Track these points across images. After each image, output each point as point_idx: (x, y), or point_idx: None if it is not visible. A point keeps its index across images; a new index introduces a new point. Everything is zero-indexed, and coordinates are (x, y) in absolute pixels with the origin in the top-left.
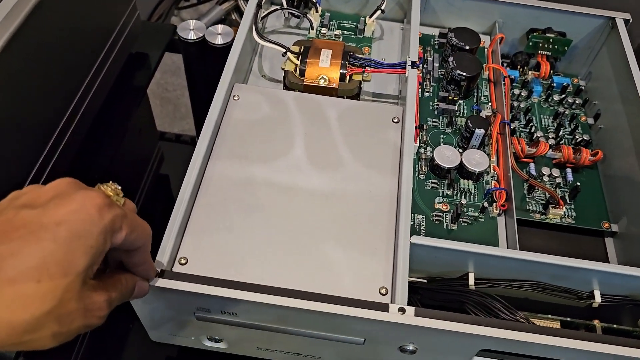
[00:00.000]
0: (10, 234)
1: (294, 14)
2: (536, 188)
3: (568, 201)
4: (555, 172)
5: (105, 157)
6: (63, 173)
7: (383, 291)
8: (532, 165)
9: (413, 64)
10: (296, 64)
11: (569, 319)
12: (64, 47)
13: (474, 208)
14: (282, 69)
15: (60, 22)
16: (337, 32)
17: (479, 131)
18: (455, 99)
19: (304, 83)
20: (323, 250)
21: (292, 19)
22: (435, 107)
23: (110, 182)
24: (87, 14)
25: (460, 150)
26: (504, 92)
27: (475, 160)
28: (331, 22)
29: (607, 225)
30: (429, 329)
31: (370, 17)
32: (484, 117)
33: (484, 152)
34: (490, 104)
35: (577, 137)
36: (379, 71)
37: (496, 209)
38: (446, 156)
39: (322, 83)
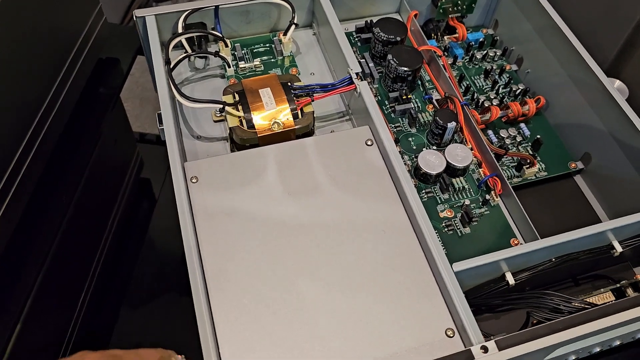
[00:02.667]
0: None
1: (204, 56)
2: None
3: (534, 155)
4: (513, 131)
5: (81, 164)
6: (36, 181)
7: (450, 333)
8: (490, 133)
9: (358, 75)
10: (240, 116)
11: (618, 285)
12: (27, 52)
13: (475, 203)
14: (229, 127)
15: (20, 27)
16: (256, 61)
17: (451, 125)
18: (409, 96)
19: (258, 135)
20: (367, 312)
21: (197, 60)
22: (390, 110)
23: (178, 356)
24: (49, 19)
25: (438, 150)
26: (447, 73)
27: (460, 155)
28: (244, 52)
29: (573, 165)
30: (517, 357)
31: (285, 34)
32: (450, 109)
33: (457, 142)
34: (434, 87)
35: (513, 88)
36: (328, 94)
37: (496, 196)
38: (431, 162)
39: (276, 128)
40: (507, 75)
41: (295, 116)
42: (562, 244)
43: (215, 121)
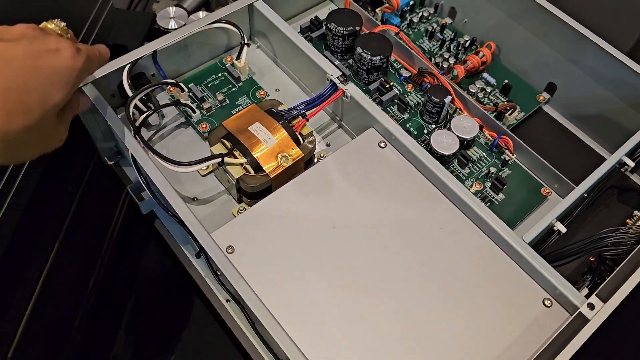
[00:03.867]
0: None
1: (163, 109)
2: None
3: (507, 100)
4: (479, 83)
5: (87, 151)
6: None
7: (547, 303)
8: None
9: (351, 78)
10: (242, 163)
11: None
12: None
13: (496, 167)
14: (232, 181)
15: (26, 13)
16: (219, 96)
17: (448, 99)
18: (391, 84)
19: (270, 176)
20: (460, 316)
21: (151, 117)
22: (377, 102)
23: (56, 19)
24: (56, 4)
25: (438, 127)
26: (412, 49)
27: (467, 126)
28: (200, 89)
29: (542, 97)
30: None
31: (239, 58)
32: (440, 85)
33: (452, 114)
34: (402, 66)
35: (461, 42)
36: (320, 108)
37: (511, 154)
38: (445, 142)
39: (285, 162)
40: (450, 31)
41: (297, 142)
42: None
43: (203, 175)
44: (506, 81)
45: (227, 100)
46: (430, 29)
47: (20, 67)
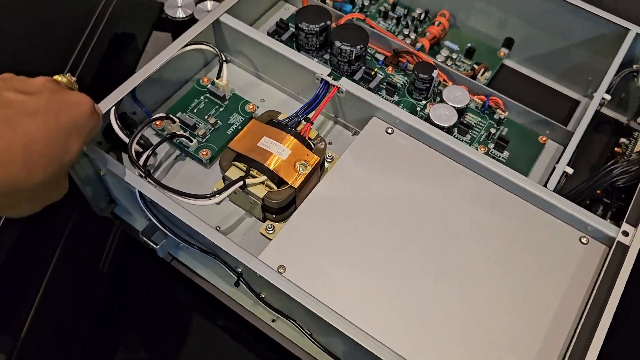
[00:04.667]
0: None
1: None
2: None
3: (475, 62)
4: (445, 52)
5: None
6: None
7: (584, 240)
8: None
9: (332, 73)
10: (263, 181)
11: None
12: (43, 26)
13: (495, 129)
14: (256, 201)
15: (36, 1)
16: (210, 119)
17: (435, 73)
18: (375, 70)
19: (295, 187)
20: (506, 274)
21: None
22: (379, 87)
23: (67, 74)
24: None
25: (429, 102)
26: (381, 32)
27: (458, 95)
28: (188, 116)
29: (502, 53)
30: None
31: (219, 77)
32: (422, 61)
33: (437, 87)
34: (375, 51)
35: (415, 16)
36: (320, 109)
37: (503, 112)
38: (444, 115)
39: (304, 170)
40: (402, 8)
41: (309, 147)
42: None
43: (217, 203)
44: (469, 44)
45: (219, 122)
46: (382, 9)
47: (43, 121)
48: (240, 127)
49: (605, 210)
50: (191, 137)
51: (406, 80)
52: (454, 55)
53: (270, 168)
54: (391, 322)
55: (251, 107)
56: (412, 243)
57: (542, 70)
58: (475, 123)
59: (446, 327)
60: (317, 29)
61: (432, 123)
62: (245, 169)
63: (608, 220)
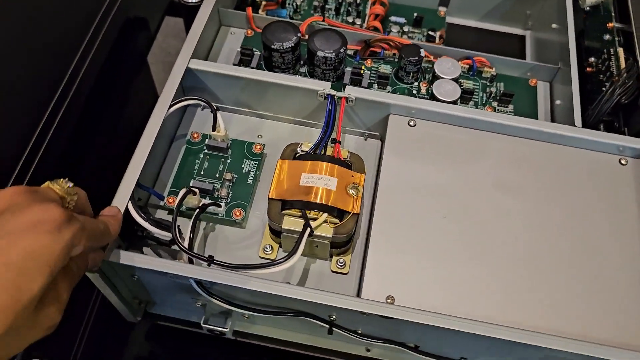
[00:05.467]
0: None
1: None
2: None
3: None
4: (395, 27)
5: (107, 125)
6: (64, 141)
7: (623, 162)
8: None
9: (335, 85)
10: (325, 220)
11: None
12: (54, 10)
13: (490, 87)
14: (324, 242)
15: None
16: (226, 175)
17: (422, 52)
18: (363, 67)
19: (356, 214)
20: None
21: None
22: (371, 83)
23: (61, 180)
24: None
25: (420, 81)
26: (345, 28)
27: (450, 67)
28: (200, 181)
29: (442, 13)
30: None
31: (215, 129)
32: (402, 45)
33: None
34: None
35: (350, 1)
36: (340, 126)
37: (490, 68)
38: (448, 90)
39: (357, 192)
40: None
41: (349, 167)
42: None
43: (261, 256)
44: (415, 14)
45: (235, 175)
46: (316, 4)
47: None
48: (258, 172)
49: (618, 130)
50: (219, 203)
51: (391, 68)
52: (405, 28)
53: (328, 203)
54: (506, 303)
55: (258, 147)
56: (487, 221)
57: (483, 18)
58: (473, 88)
59: (551, 290)
60: (292, 44)
61: (440, 101)
62: (300, 214)
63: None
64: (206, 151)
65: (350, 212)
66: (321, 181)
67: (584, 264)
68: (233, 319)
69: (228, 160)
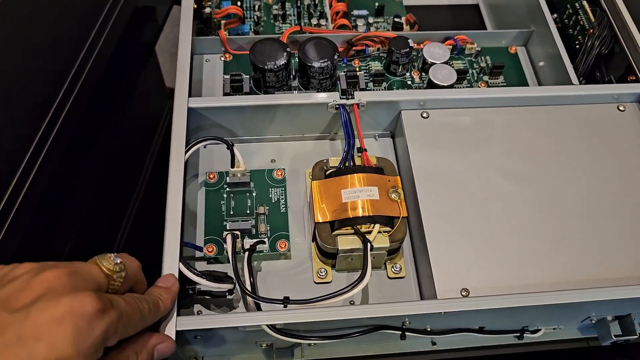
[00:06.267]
0: None
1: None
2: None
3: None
4: (361, 21)
5: (114, 117)
6: (72, 132)
7: (622, 107)
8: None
9: (345, 92)
10: (378, 230)
11: None
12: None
13: (477, 62)
14: (382, 252)
15: None
16: (259, 209)
17: (410, 42)
18: (357, 68)
19: (405, 216)
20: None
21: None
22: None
23: (109, 255)
24: None
25: (410, 70)
26: (322, 33)
27: (439, 52)
28: (238, 224)
29: None
30: None
31: (234, 165)
32: (388, 39)
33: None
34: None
35: (308, 3)
36: (360, 134)
37: (472, 44)
38: (445, 74)
39: (399, 196)
40: (290, 2)
41: (380, 171)
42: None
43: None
44: (376, 4)
45: (266, 206)
46: (275, 12)
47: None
48: (285, 196)
49: (603, 80)
50: (263, 241)
51: (383, 63)
52: (370, 20)
53: (376, 213)
54: (568, 263)
55: (279, 173)
56: (521, 191)
57: None
58: (463, 67)
59: (597, 241)
60: (285, 61)
61: (439, 87)
62: (353, 231)
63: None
64: (228, 189)
65: (399, 217)
66: (363, 193)
67: (619, 210)
68: (298, 349)
69: (254, 194)
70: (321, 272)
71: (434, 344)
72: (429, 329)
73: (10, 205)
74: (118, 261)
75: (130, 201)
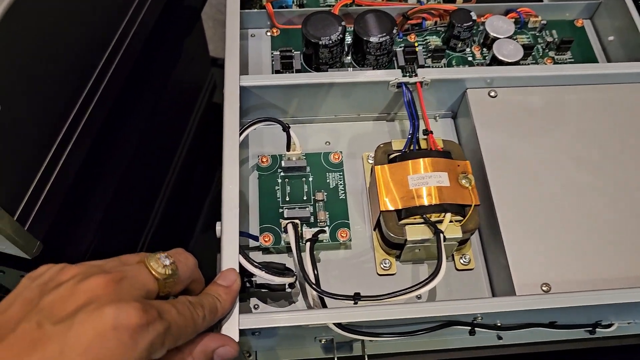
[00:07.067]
0: (23, 356)
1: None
2: None
3: None
4: None
5: (158, 83)
6: (116, 92)
7: None
8: None
9: (405, 68)
10: (450, 220)
11: None
12: None
13: (542, 37)
14: (454, 243)
15: None
16: (319, 196)
17: (473, 14)
18: (416, 43)
19: (477, 204)
20: None
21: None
22: (414, 69)
23: (157, 255)
24: None
25: (478, 45)
26: (379, 5)
27: (502, 26)
28: (296, 210)
29: None
30: None
31: (290, 147)
32: (448, 11)
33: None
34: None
35: None
36: (425, 113)
37: (537, 17)
38: (510, 50)
39: (469, 183)
40: None
41: (448, 155)
42: None
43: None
44: None
45: (325, 192)
46: None
47: None
48: (344, 181)
49: None
50: (324, 229)
51: (441, 39)
52: None
53: (446, 201)
54: None
55: (336, 156)
56: (602, 176)
57: None
58: (528, 42)
59: None
60: (340, 35)
61: (504, 64)
62: (423, 220)
63: None
64: (282, 174)
65: (471, 205)
66: (432, 179)
67: None
68: (358, 343)
69: (310, 179)
70: (385, 264)
71: (499, 338)
72: (499, 324)
73: (53, 165)
74: (168, 262)
75: (165, 180)
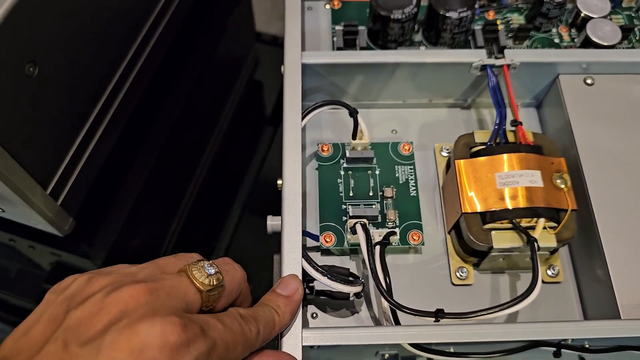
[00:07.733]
0: None
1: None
2: None
3: None
4: None
5: (201, 54)
6: (156, 64)
7: None
8: None
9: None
10: (544, 227)
11: None
12: None
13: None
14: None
15: None
16: (388, 193)
17: None
18: (498, 21)
19: (575, 209)
20: None
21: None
22: (499, 49)
23: (201, 264)
24: None
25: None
26: None
27: (597, 4)
28: (362, 208)
29: None
30: None
31: (355, 136)
32: None
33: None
34: None
35: None
36: (514, 102)
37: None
38: (607, 32)
39: (564, 182)
40: None
41: (539, 151)
42: None
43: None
44: None
45: (394, 188)
46: None
47: None
48: (415, 176)
49: None
50: (394, 231)
51: (524, 17)
52: None
53: (539, 204)
54: None
55: (406, 147)
56: None
57: None
58: (622, 22)
59: None
60: (415, 9)
61: (600, 47)
62: (512, 225)
63: None
64: (345, 165)
65: (567, 209)
66: (523, 178)
67: None
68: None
69: (377, 172)
70: (462, 272)
71: (581, 359)
72: (587, 346)
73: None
74: (212, 272)
75: (205, 151)
